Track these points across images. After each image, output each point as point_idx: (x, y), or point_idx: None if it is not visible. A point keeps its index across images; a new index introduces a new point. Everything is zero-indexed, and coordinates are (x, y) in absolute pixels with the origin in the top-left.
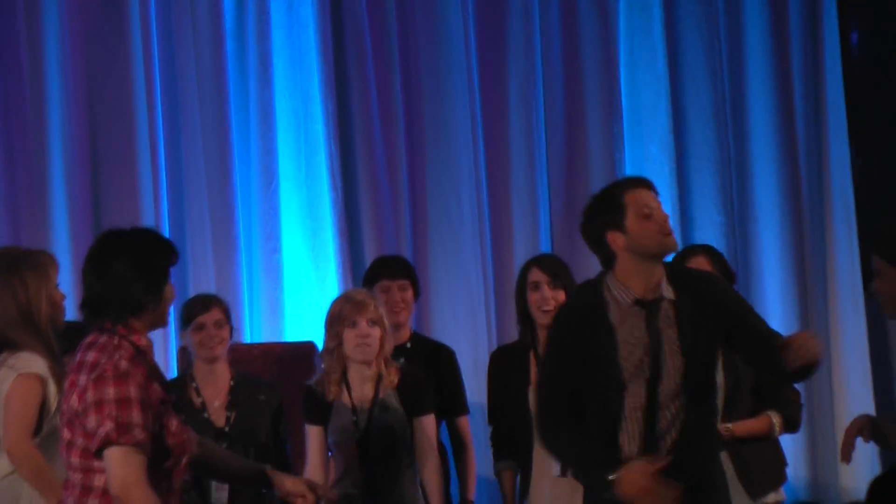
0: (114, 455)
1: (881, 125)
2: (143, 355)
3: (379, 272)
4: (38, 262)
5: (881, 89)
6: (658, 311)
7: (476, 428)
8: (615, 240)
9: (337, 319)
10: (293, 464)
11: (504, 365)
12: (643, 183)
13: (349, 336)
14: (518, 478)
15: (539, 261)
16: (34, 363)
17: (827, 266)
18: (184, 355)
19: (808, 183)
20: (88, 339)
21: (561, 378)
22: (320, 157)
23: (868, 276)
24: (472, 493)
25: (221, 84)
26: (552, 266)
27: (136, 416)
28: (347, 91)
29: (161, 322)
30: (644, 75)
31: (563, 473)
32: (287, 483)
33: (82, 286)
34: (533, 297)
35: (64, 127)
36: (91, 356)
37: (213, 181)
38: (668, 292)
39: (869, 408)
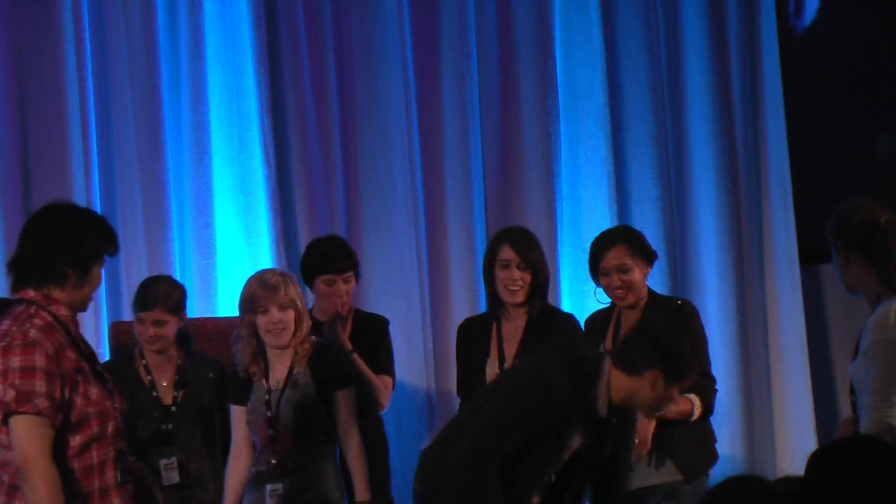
0: (15, 424)
1: (817, 99)
2: (63, 325)
3: (324, 265)
4: None
5: (817, 63)
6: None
7: (407, 402)
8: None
9: (250, 305)
10: None
11: (469, 337)
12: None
13: (262, 322)
14: None
15: (511, 239)
16: None
17: (764, 241)
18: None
19: (744, 157)
20: (10, 310)
21: (517, 435)
22: (253, 131)
23: (804, 252)
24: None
25: (152, 58)
26: (523, 244)
27: (38, 385)
28: (280, 65)
29: (81, 305)
30: (580, 50)
31: None
32: None
33: (17, 248)
34: (501, 274)
35: None
36: (4, 325)
37: (145, 156)
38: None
39: (805, 386)
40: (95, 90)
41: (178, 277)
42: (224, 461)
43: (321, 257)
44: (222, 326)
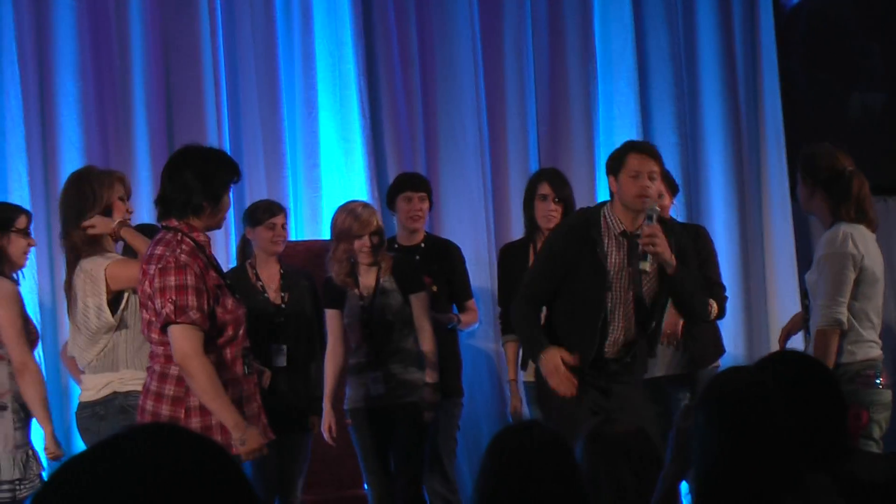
0: (174, 332)
1: (805, 66)
2: (201, 249)
3: (404, 185)
4: (111, 180)
5: (801, 34)
6: (636, 245)
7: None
8: (612, 183)
9: (347, 234)
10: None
11: (509, 257)
12: (647, 150)
13: (357, 245)
14: (520, 350)
15: (549, 176)
16: (102, 262)
17: (761, 178)
18: (244, 247)
19: (746, 111)
20: (157, 237)
21: (546, 277)
22: (352, 91)
23: (794, 187)
24: (458, 320)
25: (271, 31)
26: (558, 182)
27: (191, 300)
28: (374, 37)
29: (216, 225)
30: (614, 24)
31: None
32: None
33: (160, 187)
34: (540, 206)
35: (145, 69)
36: (158, 250)
37: (265, 111)
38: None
39: (794, 294)
40: (225, 57)
41: (291, 208)
42: (322, 352)
43: (403, 179)
44: (327, 246)
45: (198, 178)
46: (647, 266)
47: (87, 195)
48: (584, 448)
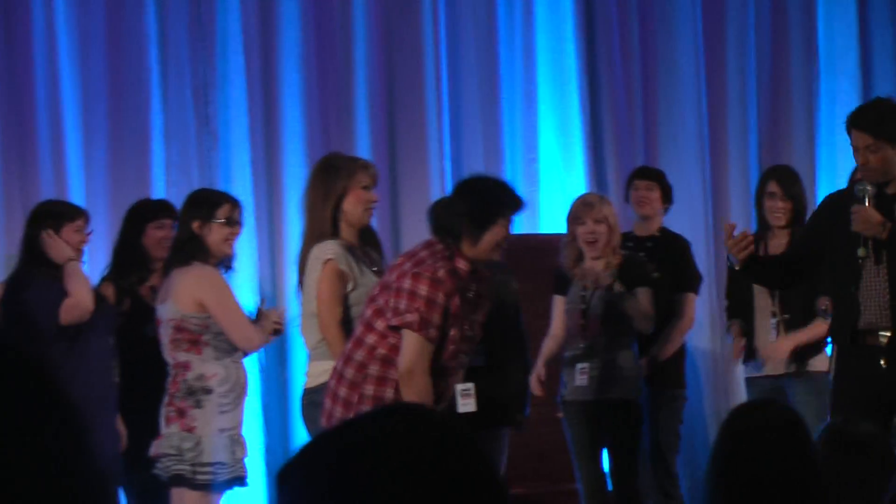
0: (410, 340)
1: None
2: (456, 273)
3: (633, 175)
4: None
5: None
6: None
7: (699, 304)
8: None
9: (571, 218)
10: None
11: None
12: (854, 123)
13: (580, 232)
14: (744, 343)
15: (777, 174)
16: (330, 249)
17: None
18: None
19: None
20: (430, 240)
21: (801, 242)
22: (572, 85)
23: None
24: (662, 355)
25: (493, 25)
26: (787, 180)
27: (435, 317)
28: (595, 32)
29: (480, 254)
30: (837, 22)
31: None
32: None
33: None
34: (768, 203)
35: (367, 62)
36: (423, 253)
37: (485, 104)
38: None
39: None
40: (447, 52)
41: None
42: (521, 351)
43: (636, 169)
44: (543, 241)
45: (467, 208)
46: (861, 252)
47: (331, 181)
48: (823, 443)
